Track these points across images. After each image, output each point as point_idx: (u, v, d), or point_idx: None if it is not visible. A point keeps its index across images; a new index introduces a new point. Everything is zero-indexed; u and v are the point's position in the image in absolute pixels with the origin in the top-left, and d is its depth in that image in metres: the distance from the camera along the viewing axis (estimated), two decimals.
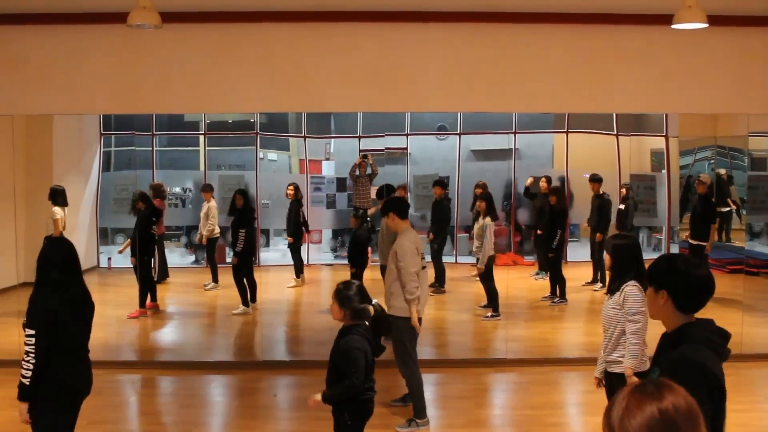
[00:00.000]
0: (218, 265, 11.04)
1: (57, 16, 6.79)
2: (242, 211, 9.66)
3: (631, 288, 4.51)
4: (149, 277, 9.58)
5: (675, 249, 11.91)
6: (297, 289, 11.28)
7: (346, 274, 8.75)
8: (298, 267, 11.26)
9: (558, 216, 10.05)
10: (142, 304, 9.34)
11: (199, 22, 6.89)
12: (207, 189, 11.00)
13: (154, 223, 9.69)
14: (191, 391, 7.07)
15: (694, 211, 10.03)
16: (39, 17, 6.82)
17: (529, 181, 11.48)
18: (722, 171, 11.51)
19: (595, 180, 10.74)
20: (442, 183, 10.87)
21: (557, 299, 10.05)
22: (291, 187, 11.12)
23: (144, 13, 5.41)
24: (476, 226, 9.28)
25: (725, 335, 2.71)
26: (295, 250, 11.21)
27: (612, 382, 4.55)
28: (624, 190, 11.33)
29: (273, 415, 6.56)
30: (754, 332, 7.96)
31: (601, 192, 10.68)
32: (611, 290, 4.65)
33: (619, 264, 4.58)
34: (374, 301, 4.35)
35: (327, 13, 6.85)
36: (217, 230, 10.75)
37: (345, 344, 4.13)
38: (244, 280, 9.61)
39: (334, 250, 13.12)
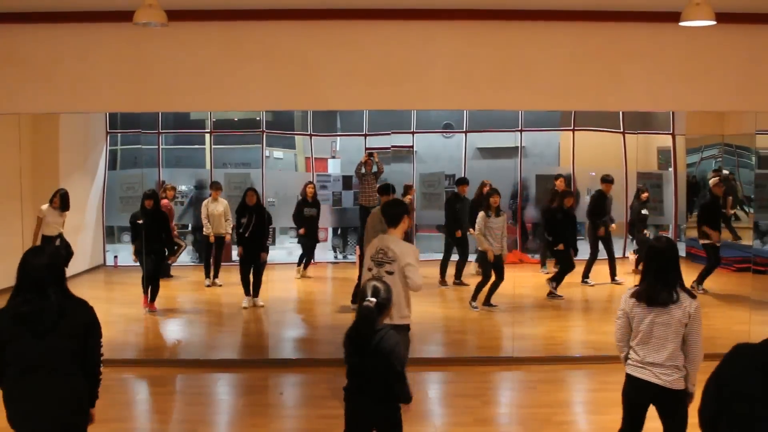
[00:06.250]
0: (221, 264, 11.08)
1: (63, 14, 6.80)
2: (257, 209, 9.50)
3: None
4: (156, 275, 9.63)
5: (681, 247, 11.87)
6: (303, 287, 11.29)
7: (350, 272, 8.77)
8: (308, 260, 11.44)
9: (572, 219, 10.20)
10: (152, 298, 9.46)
11: (205, 20, 6.89)
12: (218, 186, 10.88)
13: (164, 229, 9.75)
14: (198, 389, 7.08)
15: (705, 211, 9.93)
16: (45, 16, 6.82)
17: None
18: (726, 172, 11.46)
19: (607, 181, 10.82)
20: (465, 181, 10.94)
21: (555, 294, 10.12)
22: (311, 186, 11.14)
23: (150, 11, 5.42)
24: (490, 222, 9.23)
25: None
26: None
27: None
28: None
29: (280, 413, 6.55)
30: (762, 330, 7.89)
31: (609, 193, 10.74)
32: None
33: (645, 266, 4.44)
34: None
35: (333, 11, 6.84)
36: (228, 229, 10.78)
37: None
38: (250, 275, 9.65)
39: (335, 249, 13.15)
